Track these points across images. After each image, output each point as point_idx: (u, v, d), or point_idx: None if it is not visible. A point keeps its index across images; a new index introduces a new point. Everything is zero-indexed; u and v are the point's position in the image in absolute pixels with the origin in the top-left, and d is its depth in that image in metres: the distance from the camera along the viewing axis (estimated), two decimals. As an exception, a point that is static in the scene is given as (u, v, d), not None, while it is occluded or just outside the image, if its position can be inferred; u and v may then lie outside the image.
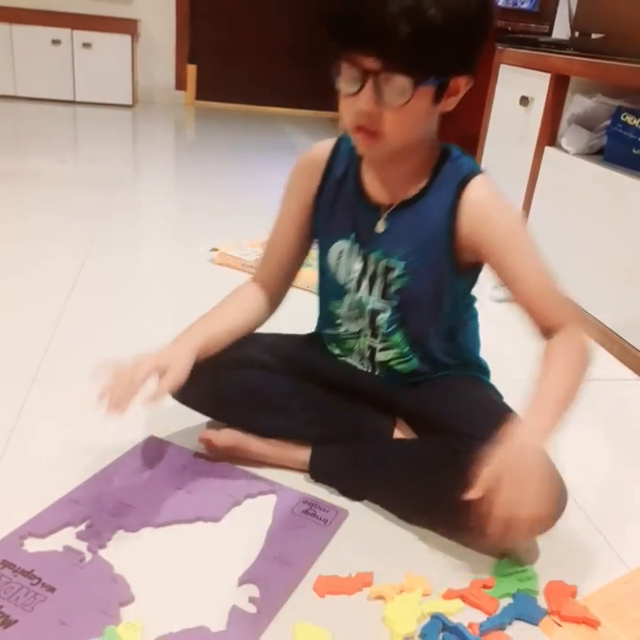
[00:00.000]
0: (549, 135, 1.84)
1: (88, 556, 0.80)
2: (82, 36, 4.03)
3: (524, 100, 1.92)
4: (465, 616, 0.78)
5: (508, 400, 0.98)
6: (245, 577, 0.80)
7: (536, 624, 0.78)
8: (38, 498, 0.88)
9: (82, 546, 0.82)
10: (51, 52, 4.03)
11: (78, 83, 4.14)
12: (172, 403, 1.01)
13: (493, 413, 0.88)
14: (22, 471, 0.96)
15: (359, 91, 0.75)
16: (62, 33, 4.01)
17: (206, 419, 1.05)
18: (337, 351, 1.02)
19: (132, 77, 4.22)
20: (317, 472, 0.98)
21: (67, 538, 0.83)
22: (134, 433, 1.04)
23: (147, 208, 2.46)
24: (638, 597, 0.84)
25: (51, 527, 0.84)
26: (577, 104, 1.78)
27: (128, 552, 0.82)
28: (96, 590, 0.76)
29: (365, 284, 0.93)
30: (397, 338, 0.95)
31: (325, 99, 4.80)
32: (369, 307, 0.94)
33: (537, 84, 1.87)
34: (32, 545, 0.81)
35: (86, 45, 4.06)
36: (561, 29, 2.34)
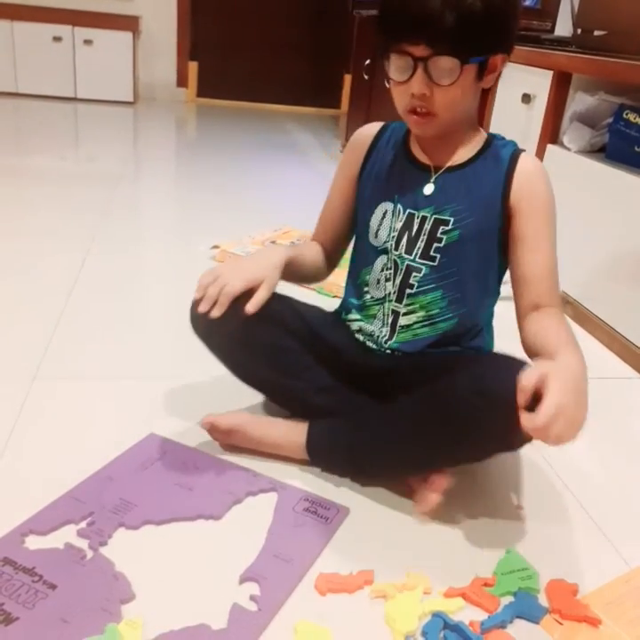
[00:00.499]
0: (551, 133, 1.84)
1: (89, 554, 0.81)
2: (83, 32, 4.03)
3: (526, 98, 1.91)
4: (466, 614, 0.78)
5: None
6: (246, 575, 0.80)
7: (537, 622, 0.78)
8: (39, 495, 0.88)
9: (83, 543, 0.82)
10: (52, 49, 4.03)
11: (79, 80, 4.13)
12: (172, 400, 1.01)
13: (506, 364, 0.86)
14: (23, 468, 0.96)
15: (411, 77, 0.85)
16: (63, 30, 4.01)
17: (206, 412, 1.05)
18: (358, 317, 1.04)
19: (133, 74, 4.22)
20: (313, 447, 0.99)
21: (68, 535, 0.83)
22: (135, 430, 1.04)
23: (148, 205, 2.46)
24: (639, 596, 0.84)
25: (52, 524, 0.84)
26: (579, 101, 1.78)
27: (129, 550, 0.82)
28: (97, 588, 0.76)
29: (404, 242, 0.98)
30: (430, 297, 0.97)
31: (327, 96, 4.81)
32: (406, 263, 0.98)
33: (539, 82, 1.87)
34: (33, 542, 0.81)
35: (87, 42, 4.06)
36: (563, 27, 2.34)
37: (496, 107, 2.13)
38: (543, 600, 0.81)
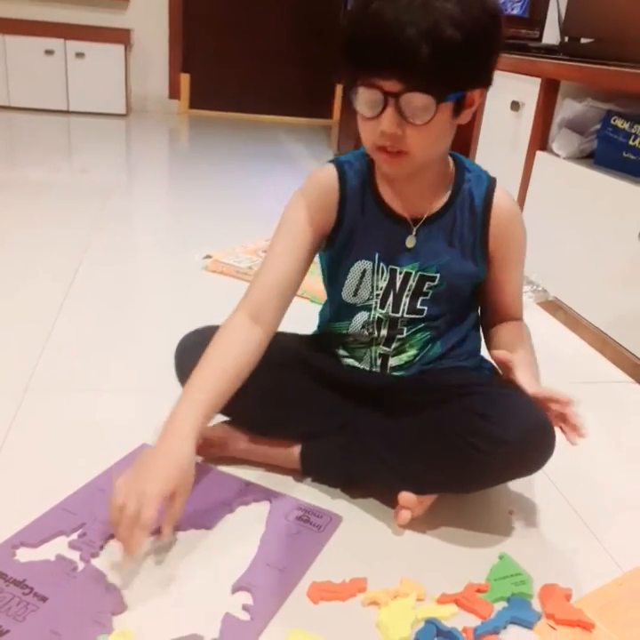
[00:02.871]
0: (540, 139, 1.85)
1: (80, 566, 0.80)
2: (75, 45, 4.04)
3: (515, 105, 1.93)
4: (459, 620, 0.78)
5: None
6: (239, 584, 0.80)
7: (530, 628, 0.78)
8: (30, 507, 0.88)
9: (74, 555, 0.82)
10: (44, 63, 4.04)
11: (72, 92, 4.14)
12: (164, 411, 1.00)
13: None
14: (14, 480, 0.95)
15: (381, 113, 0.77)
16: (55, 43, 4.02)
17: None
18: (345, 354, 1.02)
19: (125, 87, 4.23)
20: (309, 462, 0.98)
21: (59, 547, 0.83)
22: (127, 441, 1.04)
23: (140, 216, 2.46)
24: (632, 599, 0.84)
25: (43, 536, 0.84)
26: (567, 108, 1.79)
27: (120, 561, 0.82)
28: (88, 599, 0.75)
29: (390, 300, 0.94)
30: (419, 336, 0.97)
31: (318, 107, 4.83)
32: (392, 320, 0.95)
33: (527, 89, 1.88)
34: (24, 554, 0.81)
35: (79, 55, 4.07)
36: (551, 35, 2.36)
37: (485, 115, 2.15)
38: (536, 605, 0.81)
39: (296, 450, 0.99)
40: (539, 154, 1.85)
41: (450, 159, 0.92)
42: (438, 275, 0.92)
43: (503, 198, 0.93)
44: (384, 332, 0.96)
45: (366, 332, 0.97)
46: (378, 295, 0.94)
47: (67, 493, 0.91)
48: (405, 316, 0.94)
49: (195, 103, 4.74)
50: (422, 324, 0.96)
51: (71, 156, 3.43)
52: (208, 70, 4.66)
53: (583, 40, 1.85)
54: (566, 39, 1.89)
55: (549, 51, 1.97)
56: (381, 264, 0.93)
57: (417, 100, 0.75)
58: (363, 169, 0.92)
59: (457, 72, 0.75)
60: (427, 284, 0.93)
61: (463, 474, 0.88)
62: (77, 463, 0.99)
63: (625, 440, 1.23)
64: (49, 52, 4.02)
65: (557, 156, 1.79)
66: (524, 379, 0.86)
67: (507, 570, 0.85)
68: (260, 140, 4.05)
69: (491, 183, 0.93)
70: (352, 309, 0.96)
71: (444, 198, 0.91)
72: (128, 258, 1.94)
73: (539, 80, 1.83)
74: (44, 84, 4.08)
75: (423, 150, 0.81)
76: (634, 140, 1.55)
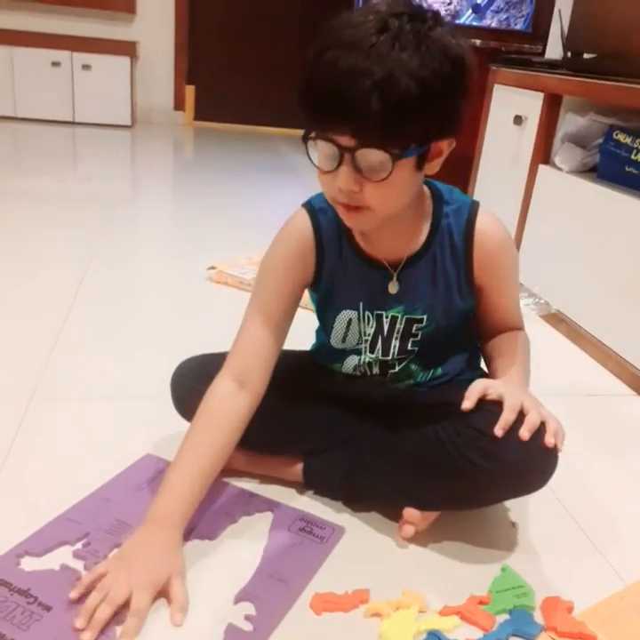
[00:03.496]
0: (543, 153, 1.86)
1: (84, 575, 0.80)
2: (81, 58, 4.09)
3: (518, 119, 1.94)
4: (462, 632, 0.78)
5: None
6: (241, 594, 0.80)
7: (532, 640, 0.78)
8: (35, 516, 0.88)
9: (79, 564, 0.82)
10: (51, 74, 4.08)
11: (78, 104, 4.18)
12: (168, 420, 1.01)
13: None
14: (19, 489, 0.96)
15: (337, 168, 0.73)
16: (62, 55, 4.06)
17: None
18: (342, 378, 1.01)
19: (130, 98, 4.27)
20: (311, 478, 0.98)
21: (63, 556, 0.83)
22: (131, 451, 1.05)
23: (145, 227, 2.48)
24: (635, 613, 0.84)
25: (47, 546, 0.84)
26: (570, 122, 1.81)
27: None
28: (92, 609, 0.76)
29: (379, 345, 0.93)
30: (413, 367, 0.95)
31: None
32: (383, 361, 0.94)
33: (530, 103, 1.90)
34: (28, 564, 0.81)
35: (86, 67, 4.11)
36: (554, 49, 2.38)
37: (488, 128, 2.16)
38: (538, 618, 0.81)
39: (298, 466, 0.99)
40: (541, 167, 1.86)
41: (427, 193, 0.87)
42: (425, 316, 0.90)
43: (485, 226, 0.87)
44: (376, 370, 0.96)
45: (359, 373, 0.97)
46: (366, 340, 0.93)
47: (71, 503, 0.92)
48: (397, 356, 0.93)
49: (199, 115, 4.78)
50: (413, 363, 0.95)
51: (76, 166, 3.45)
52: (213, 83, 4.70)
53: (586, 55, 1.86)
54: (569, 54, 1.90)
55: (552, 65, 1.99)
56: (366, 312, 0.91)
57: (372, 157, 0.71)
58: (336, 218, 0.86)
59: (414, 126, 0.71)
60: (415, 326, 0.91)
61: (462, 491, 0.87)
62: (82, 472, 0.99)
63: (626, 453, 1.23)
64: (56, 64, 4.07)
65: (560, 169, 1.80)
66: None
67: (509, 582, 0.85)
68: (263, 152, 4.08)
69: (471, 212, 0.87)
70: (342, 353, 0.96)
71: (423, 237, 0.87)
72: (133, 267, 1.96)
73: (542, 94, 1.85)
74: (51, 95, 4.12)
75: (384, 206, 0.77)
76: (636, 155, 1.56)
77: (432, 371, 0.97)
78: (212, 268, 1.89)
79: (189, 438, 0.87)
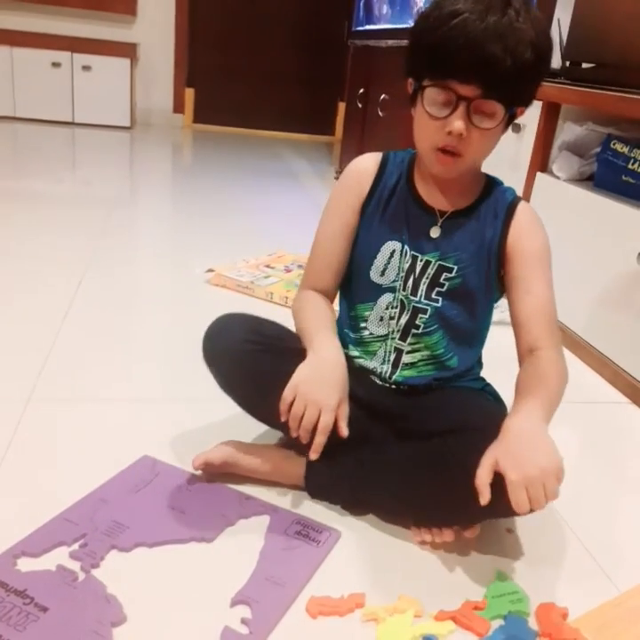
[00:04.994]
0: (541, 161, 1.87)
1: (81, 576, 0.81)
2: (82, 59, 4.10)
3: (517, 127, 1.96)
4: (456, 638, 0.78)
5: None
6: (238, 598, 0.80)
7: (527, 646, 0.78)
8: (32, 517, 0.89)
9: (75, 565, 0.82)
10: (51, 75, 4.09)
11: (77, 105, 4.19)
12: (165, 422, 1.01)
13: (496, 416, 0.88)
14: (16, 490, 0.96)
15: (450, 114, 0.83)
16: (62, 56, 4.07)
17: (200, 438, 1.06)
18: (356, 353, 1.03)
19: (130, 100, 4.28)
20: (312, 486, 0.99)
21: (60, 557, 0.83)
22: (128, 452, 1.05)
23: (143, 229, 2.48)
24: (629, 619, 0.84)
25: (44, 546, 0.84)
26: (568, 131, 1.82)
27: (121, 572, 0.82)
28: (89, 610, 0.76)
29: (410, 283, 0.97)
30: (436, 338, 0.98)
31: (321, 123, 4.88)
32: (413, 304, 0.97)
33: (529, 112, 1.87)
34: (25, 564, 0.81)
35: (86, 68, 4.12)
36: (552, 59, 2.39)
37: (487, 135, 2.17)
38: (533, 624, 0.81)
39: (300, 471, 0.99)
40: (539, 175, 1.87)
41: (483, 174, 0.99)
42: (455, 267, 0.95)
43: (527, 208, 0.97)
44: (403, 320, 0.98)
45: (388, 316, 0.99)
46: (401, 277, 0.97)
47: (68, 504, 0.92)
48: (423, 301, 0.97)
49: (198, 118, 4.79)
50: (436, 325, 0.97)
51: (75, 167, 3.45)
52: (212, 86, 4.72)
53: (584, 65, 1.88)
54: (568, 64, 1.91)
55: (551, 74, 1.99)
56: (405, 247, 0.97)
57: (488, 107, 0.83)
58: (404, 163, 0.99)
59: (526, 87, 0.85)
60: (444, 275, 0.96)
61: (462, 508, 0.87)
62: (79, 473, 0.99)
63: (622, 461, 1.24)
64: (56, 65, 4.07)
65: (557, 178, 1.81)
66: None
67: (504, 588, 0.86)
68: (262, 156, 4.08)
69: (517, 197, 0.98)
70: (378, 290, 0.99)
71: (473, 198, 0.96)
72: (131, 270, 1.96)
73: (540, 103, 1.86)
74: (51, 95, 4.13)
75: (477, 154, 0.89)
76: (633, 164, 1.58)
77: (449, 356, 0.98)
78: (211, 270, 1.89)
79: (312, 311, 1.00)
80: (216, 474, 1.01)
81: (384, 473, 0.94)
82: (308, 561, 0.87)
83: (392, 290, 0.98)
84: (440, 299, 0.97)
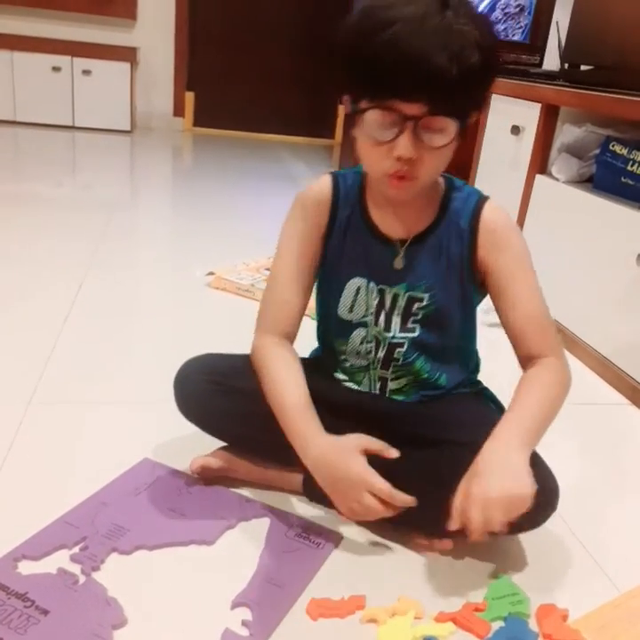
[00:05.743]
0: (540, 163, 1.88)
1: (82, 579, 0.81)
2: (82, 63, 4.10)
3: (516, 129, 1.96)
4: (457, 639, 0.78)
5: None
6: (238, 600, 0.80)
7: (527, 647, 0.78)
8: (33, 520, 0.89)
9: (76, 568, 0.82)
10: (51, 79, 4.09)
11: (78, 109, 4.20)
12: (165, 425, 1.02)
13: (490, 426, 0.86)
14: (17, 493, 0.96)
15: (396, 137, 0.76)
16: (62, 60, 4.08)
17: (200, 441, 1.06)
18: (343, 378, 1.02)
19: (130, 104, 4.28)
20: (310, 491, 0.98)
21: (61, 560, 0.83)
22: (129, 455, 1.05)
23: (144, 232, 2.49)
24: (629, 620, 0.84)
25: (45, 549, 0.84)
26: (567, 133, 1.82)
27: (122, 575, 0.82)
28: (89, 613, 0.76)
29: (382, 319, 0.93)
30: (418, 365, 0.96)
31: (321, 127, 4.88)
32: (388, 340, 0.94)
33: (528, 114, 1.91)
34: (26, 567, 0.82)
35: (86, 72, 4.13)
36: (551, 61, 2.40)
37: (486, 138, 2.18)
38: (533, 625, 0.81)
39: (298, 477, 0.99)
40: (538, 177, 1.87)
41: (440, 179, 0.91)
42: (426, 295, 0.91)
43: (492, 213, 0.89)
44: (381, 353, 0.95)
45: (364, 350, 0.96)
46: (371, 313, 0.94)
47: (69, 506, 0.92)
48: (398, 334, 0.93)
49: (199, 121, 4.79)
50: (417, 353, 0.95)
51: (75, 171, 3.46)
52: (212, 89, 4.72)
53: (583, 67, 1.88)
54: (566, 66, 1.92)
55: (550, 77, 2.00)
56: (371, 283, 0.93)
57: (438, 123, 0.75)
58: (355, 187, 0.92)
59: (476, 95, 0.78)
60: (416, 305, 0.92)
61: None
62: (80, 476, 1.00)
63: (622, 462, 1.24)
64: (56, 69, 4.08)
65: (557, 179, 1.81)
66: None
67: (504, 589, 0.86)
68: (262, 159, 4.09)
69: (480, 200, 0.89)
70: (349, 326, 0.96)
71: (432, 217, 0.90)
72: (131, 273, 1.96)
73: (539, 105, 1.86)
74: (51, 99, 4.14)
75: (431, 174, 0.82)
76: (632, 166, 1.58)
77: (437, 375, 0.97)
78: (211, 273, 1.90)
79: (276, 379, 0.91)
80: (214, 478, 1.01)
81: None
82: (309, 563, 0.87)
83: (364, 325, 0.95)
84: (417, 326, 0.93)
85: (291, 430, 0.87)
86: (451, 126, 0.76)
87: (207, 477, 1.01)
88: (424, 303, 0.92)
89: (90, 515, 0.91)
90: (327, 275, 0.96)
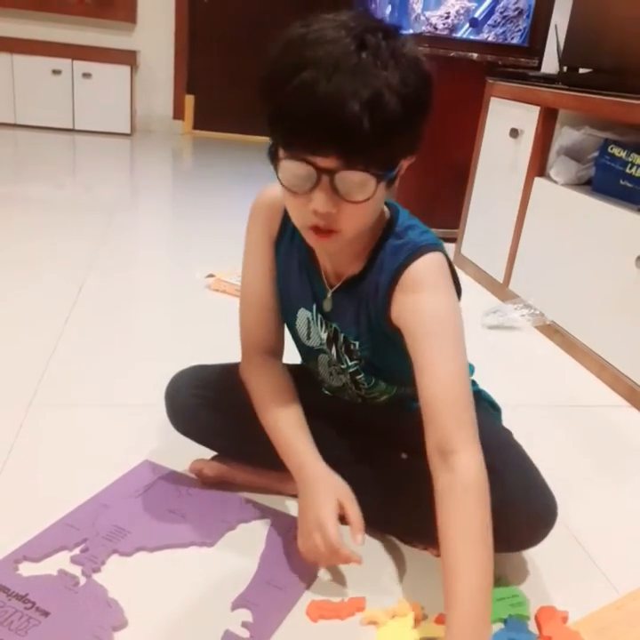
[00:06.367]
0: (539, 166, 1.88)
1: (82, 580, 0.81)
2: (82, 66, 4.12)
3: (514, 132, 1.96)
4: (457, 641, 0.78)
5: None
6: (238, 601, 0.80)
7: (527, 649, 0.79)
8: (33, 522, 0.89)
9: (76, 570, 0.82)
10: (51, 82, 4.11)
11: (78, 112, 4.21)
12: (166, 427, 1.02)
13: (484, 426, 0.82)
14: (18, 495, 0.96)
15: (312, 189, 0.70)
16: (63, 63, 4.09)
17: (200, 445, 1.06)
18: (328, 393, 1.02)
19: (130, 107, 4.30)
20: None
21: (61, 562, 0.83)
22: (129, 457, 1.05)
23: (143, 234, 2.49)
24: (629, 622, 0.84)
25: (45, 551, 0.84)
26: (565, 136, 1.83)
27: (122, 576, 0.83)
28: (90, 614, 0.76)
29: (334, 351, 0.90)
30: (383, 386, 0.94)
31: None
32: (346, 370, 0.92)
33: (526, 117, 1.92)
34: (27, 569, 0.82)
35: (86, 75, 4.14)
36: (549, 64, 2.41)
37: (484, 141, 2.18)
38: (533, 627, 0.82)
39: (295, 485, 0.98)
40: (537, 180, 1.88)
41: (383, 220, 0.83)
42: (357, 342, 0.87)
43: (419, 269, 0.79)
44: (347, 376, 0.93)
45: (335, 371, 0.94)
46: (323, 345, 0.91)
47: (70, 508, 0.92)
48: (350, 365, 0.90)
49: (198, 124, 4.80)
50: (375, 378, 0.92)
51: (75, 173, 3.47)
52: (212, 92, 4.73)
53: (581, 70, 1.89)
54: (565, 69, 1.92)
55: (548, 80, 2.01)
56: (318, 315, 0.89)
57: (355, 178, 0.68)
58: None
59: (397, 145, 0.70)
60: (351, 345, 0.88)
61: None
62: (80, 478, 1.00)
63: (621, 464, 1.24)
64: (56, 72, 4.09)
65: (555, 182, 1.81)
66: None
67: (504, 591, 0.86)
68: (262, 162, 4.06)
69: (414, 254, 0.79)
70: (312, 351, 0.94)
71: (361, 266, 0.83)
72: (131, 275, 1.97)
73: (537, 108, 1.87)
74: (51, 102, 4.15)
75: (356, 228, 0.75)
76: (630, 169, 1.58)
77: (409, 402, 0.94)
78: (211, 276, 1.90)
79: (267, 406, 0.90)
80: (212, 484, 1.01)
81: (361, 494, 0.86)
82: (308, 565, 0.87)
83: (323, 351, 0.92)
84: (362, 361, 0.89)
85: (284, 452, 0.87)
86: (370, 181, 0.69)
87: (206, 481, 1.01)
88: (357, 348, 0.88)
89: (90, 516, 0.91)
90: (282, 295, 0.92)
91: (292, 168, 0.70)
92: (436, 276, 0.79)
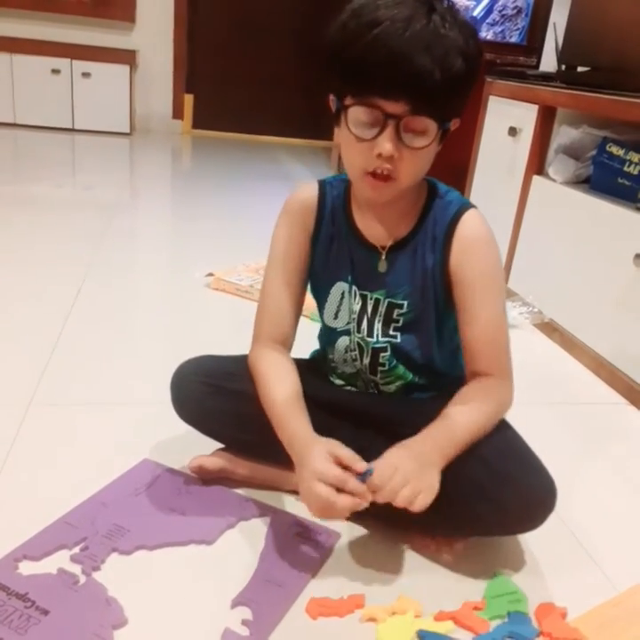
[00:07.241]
0: (537, 164, 1.89)
1: (82, 579, 0.81)
2: (81, 65, 4.11)
3: (513, 131, 1.97)
4: (456, 637, 0.79)
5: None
6: (238, 599, 0.81)
7: (527, 645, 0.79)
8: (33, 520, 0.89)
9: (76, 568, 0.83)
10: (50, 81, 4.10)
11: (77, 111, 4.21)
12: (165, 426, 1.02)
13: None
14: (18, 493, 0.96)
15: (378, 135, 0.76)
16: (62, 63, 4.09)
17: (199, 441, 1.06)
18: (340, 383, 1.02)
19: (129, 106, 4.29)
20: None
21: (61, 560, 0.84)
22: (129, 456, 1.05)
23: (143, 233, 2.49)
24: (629, 619, 0.85)
25: (45, 550, 0.85)
26: (564, 134, 1.83)
27: (122, 575, 0.83)
28: (90, 613, 0.76)
29: (365, 324, 0.94)
30: (402, 369, 0.96)
31: (319, 128, 4.89)
32: (371, 346, 0.94)
33: (525, 115, 1.92)
34: (26, 568, 0.82)
35: (85, 75, 4.13)
36: (548, 62, 2.41)
37: (483, 139, 2.18)
38: (533, 624, 0.82)
39: (296, 479, 0.99)
40: (535, 178, 1.88)
41: (425, 184, 0.91)
42: (405, 302, 0.91)
43: (470, 223, 0.88)
44: (366, 360, 0.96)
45: (350, 358, 0.97)
46: (354, 319, 0.94)
47: (69, 507, 0.93)
48: (381, 340, 0.93)
49: (198, 123, 4.80)
50: (401, 359, 0.94)
51: (75, 173, 3.47)
52: (211, 91, 4.73)
53: (580, 68, 1.89)
54: (563, 67, 1.92)
55: (546, 78, 2.01)
56: (354, 288, 0.93)
57: (420, 124, 0.76)
58: (340, 194, 0.93)
59: (458, 99, 0.79)
60: (396, 311, 0.92)
61: (457, 525, 0.88)
62: (80, 477, 1.00)
63: (620, 462, 1.24)
64: (55, 72, 4.09)
65: (554, 180, 1.82)
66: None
67: (503, 588, 0.86)
68: (261, 161, 4.10)
69: (460, 210, 0.88)
70: (334, 334, 0.97)
71: (411, 224, 0.90)
72: (131, 274, 1.97)
73: (536, 107, 1.87)
74: (50, 102, 4.15)
75: (411, 176, 0.81)
76: (628, 167, 1.59)
77: (423, 381, 0.97)
78: (210, 274, 1.90)
79: (267, 377, 0.92)
80: (213, 478, 1.01)
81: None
82: (308, 562, 0.88)
83: (347, 332, 0.96)
84: (398, 334, 0.93)
85: (278, 425, 0.88)
86: (431, 127, 0.77)
87: (206, 477, 1.01)
88: (404, 310, 0.92)
89: (90, 515, 0.92)
90: (314, 281, 0.98)
91: (360, 114, 0.77)
92: (487, 230, 0.89)
